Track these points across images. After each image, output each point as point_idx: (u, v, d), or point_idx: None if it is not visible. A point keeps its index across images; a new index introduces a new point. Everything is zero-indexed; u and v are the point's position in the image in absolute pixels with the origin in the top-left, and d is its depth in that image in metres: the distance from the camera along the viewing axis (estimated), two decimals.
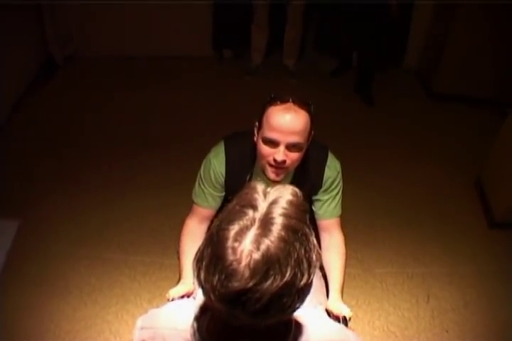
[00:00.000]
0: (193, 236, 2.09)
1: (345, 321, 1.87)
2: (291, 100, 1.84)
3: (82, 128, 4.34)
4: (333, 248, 2.12)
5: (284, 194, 0.98)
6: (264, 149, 1.86)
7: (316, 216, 2.16)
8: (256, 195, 0.98)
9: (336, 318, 1.88)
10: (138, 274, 3.06)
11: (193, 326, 1.12)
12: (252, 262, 0.90)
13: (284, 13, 4.85)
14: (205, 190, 2.11)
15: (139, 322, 1.29)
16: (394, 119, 4.66)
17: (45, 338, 2.65)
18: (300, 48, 5.20)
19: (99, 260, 3.12)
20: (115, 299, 2.90)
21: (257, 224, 0.93)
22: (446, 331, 2.82)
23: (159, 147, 4.09)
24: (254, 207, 0.95)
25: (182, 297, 1.87)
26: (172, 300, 1.83)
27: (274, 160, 1.84)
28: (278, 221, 0.93)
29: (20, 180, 3.69)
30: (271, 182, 1.94)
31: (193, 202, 2.17)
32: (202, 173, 2.11)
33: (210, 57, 5.47)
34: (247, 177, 2.07)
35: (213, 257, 0.94)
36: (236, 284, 0.90)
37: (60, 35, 5.08)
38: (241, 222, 0.93)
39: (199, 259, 0.98)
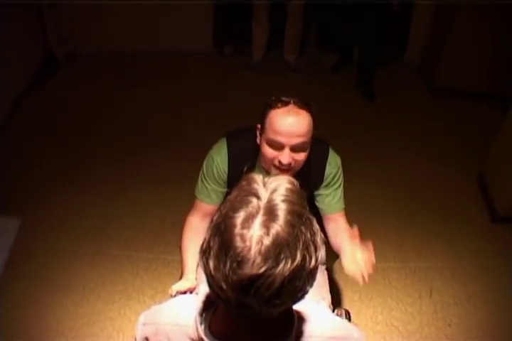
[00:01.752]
0: (195, 233, 2.09)
1: (348, 316, 1.87)
2: (292, 102, 1.83)
3: (83, 126, 4.33)
4: (341, 232, 2.10)
5: (282, 183, 1.00)
6: (269, 152, 1.87)
7: (321, 211, 2.17)
8: (255, 185, 0.99)
9: (339, 314, 1.88)
10: (140, 270, 3.06)
11: (195, 321, 1.12)
12: (263, 247, 0.91)
13: (285, 9, 4.84)
14: (208, 186, 2.11)
15: (142, 318, 1.29)
16: (395, 114, 4.66)
17: (47, 335, 2.66)
18: (301, 44, 5.19)
19: (101, 256, 3.13)
20: (118, 295, 2.91)
21: (262, 210, 0.94)
22: (449, 325, 2.83)
23: (160, 143, 4.09)
24: (257, 196, 0.96)
25: (184, 292, 1.87)
26: (175, 295, 1.83)
27: (280, 162, 1.85)
28: (282, 207, 0.95)
29: (21, 178, 3.69)
30: None
31: (195, 198, 2.17)
32: (205, 170, 2.11)
33: (211, 53, 5.47)
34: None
35: (222, 245, 0.94)
36: (248, 270, 0.90)
37: (60, 32, 5.07)
38: (247, 210, 0.94)
39: (206, 249, 0.98)
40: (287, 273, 0.92)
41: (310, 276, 0.98)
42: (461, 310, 2.91)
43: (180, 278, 2.00)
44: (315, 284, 1.03)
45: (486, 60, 4.65)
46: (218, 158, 2.06)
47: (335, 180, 2.11)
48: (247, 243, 0.91)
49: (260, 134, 1.91)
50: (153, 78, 5.02)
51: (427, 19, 5.17)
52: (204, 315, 1.13)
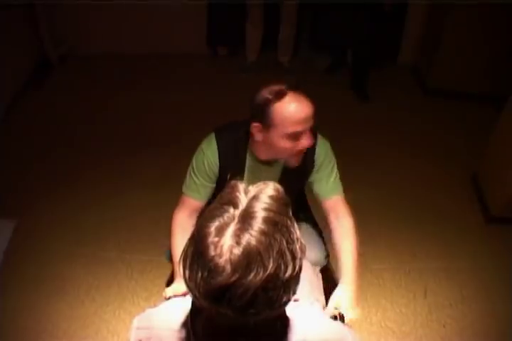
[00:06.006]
0: (182, 231, 2.09)
1: (342, 318, 1.87)
2: (285, 88, 1.85)
3: (79, 128, 4.33)
4: (340, 230, 2.08)
5: (266, 190, 0.98)
6: (289, 143, 1.88)
7: (319, 199, 2.17)
8: (237, 193, 0.98)
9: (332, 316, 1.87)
10: (135, 272, 3.06)
11: (187, 326, 1.12)
12: (233, 256, 0.90)
13: (278, 11, 4.85)
14: (197, 181, 2.12)
15: (135, 321, 1.29)
16: (390, 116, 4.67)
17: (42, 338, 2.65)
18: (294, 45, 5.20)
19: (95, 259, 3.12)
20: (112, 297, 2.90)
21: (236, 219, 0.93)
22: (444, 326, 2.83)
23: (155, 145, 4.09)
24: (235, 205, 0.95)
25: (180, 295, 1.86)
26: (169, 298, 1.82)
27: (303, 147, 1.89)
28: (258, 215, 0.93)
29: (16, 180, 3.68)
30: (264, 168, 2.07)
31: (182, 194, 2.17)
32: (194, 164, 2.12)
33: (206, 55, 5.47)
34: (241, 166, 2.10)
35: (195, 254, 0.94)
36: (219, 279, 0.90)
37: (54, 34, 5.07)
38: (221, 219, 0.93)
39: (184, 258, 0.98)
40: (259, 283, 0.90)
41: (286, 286, 0.96)
42: (455, 311, 2.92)
43: (173, 278, 2.01)
44: (309, 286, 1.03)
45: (480, 61, 4.67)
46: (208, 151, 2.08)
47: (326, 162, 2.12)
48: (218, 252, 0.90)
49: (262, 131, 1.90)
50: (147, 79, 5.02)
51: (420, 20, 5.18)
52: (196, 319, 1.12)
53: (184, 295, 1.87)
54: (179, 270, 1.00)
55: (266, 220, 0.93)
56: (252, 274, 0.89)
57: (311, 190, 2.20)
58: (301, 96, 1.86)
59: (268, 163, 2.07)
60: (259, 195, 0.97)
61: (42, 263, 3.06)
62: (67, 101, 4.66)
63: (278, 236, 0.93)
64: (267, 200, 0.96)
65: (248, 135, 2.00)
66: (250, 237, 0.91)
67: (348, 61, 5.20)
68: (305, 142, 1.87)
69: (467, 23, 4.50)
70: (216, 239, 0.91)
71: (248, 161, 2.09)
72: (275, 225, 0.94)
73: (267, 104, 1.84)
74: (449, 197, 3.76)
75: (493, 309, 2.94)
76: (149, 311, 1.30)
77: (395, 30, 5.25)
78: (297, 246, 0.97)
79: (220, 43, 5.52)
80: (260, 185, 1.01)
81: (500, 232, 3.44)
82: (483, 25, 4.48)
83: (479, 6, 4.32)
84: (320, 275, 2.20)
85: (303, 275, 1.01)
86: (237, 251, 0.90)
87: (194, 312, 1.13)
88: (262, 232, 0.92)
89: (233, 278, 0.89)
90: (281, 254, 0.93)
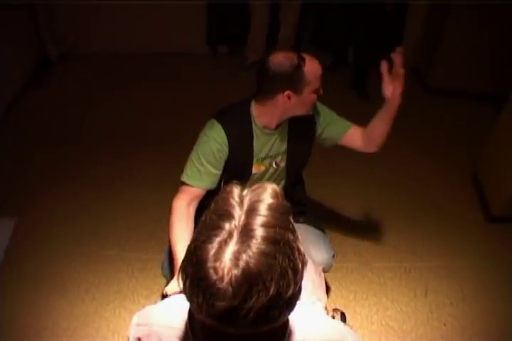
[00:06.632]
0: (183, 222, 2.09)
1: (343, 317, 1.87)
2: (300, 53, 2.00)
3: (79, 127, 4.33)
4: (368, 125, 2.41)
5: (262, 197, 0.94)
6: (315, 96, 2.09)
7: (340, 140, 2.38)
8: (232, 201, 0.94)
9: (334, 315, 1.87)
10: (135, 271, 3.05)
11: (187, 325, 1.11)
12: (233, 280, 0.87)
13: (279, 10, 4.85)
14: (201, 169, 2.12)
15: (135, 318, 1.28)
16: None
17: (42, 336, 2.64)
18: (295, 44, 5.19)
19: (96, 257, 3.11)
20: (113, 296, 2.90)
21: (235, 238, 0.89)
22: (444, 325, 2.82)
23: (155, 144, 4.09)
24: (231, 217, 0.91)
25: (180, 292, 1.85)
26: (168, 296, 1.82)
27: (320, 96, 2.11)
28: (257, 233, 0.89)
29: (16, 179, 3.68)
30: (273, 137, 2.19)
31: (182, 185, 2.17)
32: (199, 151, 2.12)
33: (206, 54, 5.48)
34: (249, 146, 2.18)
35: (195, 278, 0.91)
36: (222, 303, 0.88)
37: (54, 33, 5.07)
38: (218, 239, 0.90)
39: (183, 275, 0.95)
40: (262, 305, 0.88)
41: (288, 303, 0.94)
42: (456, 310, 2.91)
43: (173, 275, 2.01)
44: (311, 285, 1.02)
45: (480, 61, 4.67)
46: (214, 134, 2.10)
47: (325, 109, 2.35)
48: (220, 275, 0.88)
49: (292, 96, 2.02)
50: (147, 78, 5.02)
51: (421, 20, 5.18)
52: (195, 320, 1.10)
53: (181, 292, 1.87)
54: (179, 280, 0.97)
55: (266, 239, 0.89)
56: (255, 297, 0.87)
57: (327, 140, 2.37)
58: (310, 54, 2.03)
59: (277, 128, 2.17)
60: (257, 205, 0.93)
61: (42, 262, 3.05)
62: (67, 101, 4.65)
63: (279, 256, 0.90)
64: (266, 212, 0.92)
65: (249, 111, 2.11)
66: (249, 259, 0.87)
67: (349, 60, 5.20)
68: (321, 90, 2.08)
69: (467, 23, 4.50)
70: (217, 263, 0.88)
71: (256, 135, 2.14)
72: (276, 244, 0.91)
73: (298, 68, 1.97)
74: (450, 196, 3.76)
75: (494, 307, 2.94)
76: (149, 308, 1.29)
77: (395, 30, 5.24)
78: (299, 262, 0.94)
79: (220, 42, 5.52)
80: (257, 189, 0.97)
81: (501, 231, 3.44)
82: (482, 25, 4.48)
83: (479, 6, 4.32)
84: (323, 274, 2.20)
85: (305, 275, 0.99)
86: (237, 272, 0.87)
87: (192, 314, 1.11)
88: (262, 253, 0.88)
89: (236, 302, 0.87)
90: (283, 274, 0.90)
